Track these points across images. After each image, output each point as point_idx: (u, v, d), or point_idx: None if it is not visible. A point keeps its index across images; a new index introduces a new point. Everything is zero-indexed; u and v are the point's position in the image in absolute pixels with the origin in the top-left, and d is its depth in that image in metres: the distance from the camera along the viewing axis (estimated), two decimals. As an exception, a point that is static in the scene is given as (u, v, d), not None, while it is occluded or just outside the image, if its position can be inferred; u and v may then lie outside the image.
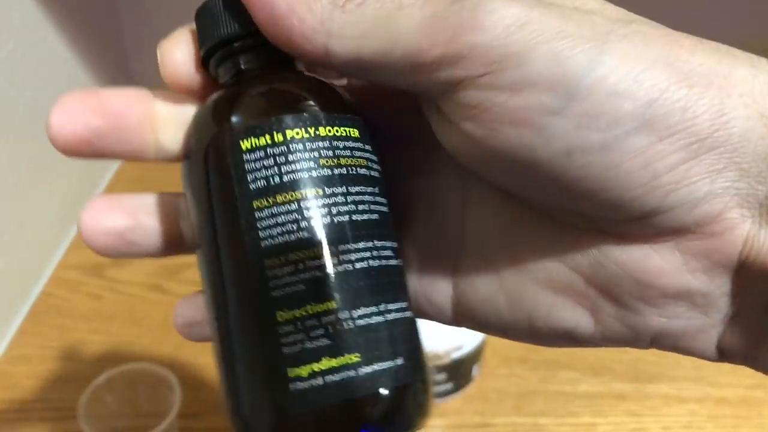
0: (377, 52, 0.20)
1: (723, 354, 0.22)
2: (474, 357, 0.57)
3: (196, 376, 0.60)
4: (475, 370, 0.59)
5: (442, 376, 0.56)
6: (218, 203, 0.21)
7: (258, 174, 0.21)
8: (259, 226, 0.20)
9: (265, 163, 0.21)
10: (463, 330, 0.55)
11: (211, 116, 0.22)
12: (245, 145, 0.21)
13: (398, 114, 0.25)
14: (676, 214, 0.20)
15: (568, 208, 0.21)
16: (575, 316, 0.23)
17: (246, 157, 0.21)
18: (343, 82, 0.25)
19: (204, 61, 0.23)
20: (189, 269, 0.71)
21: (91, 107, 0.23)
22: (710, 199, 0.19)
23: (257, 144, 0.21)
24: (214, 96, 0.23)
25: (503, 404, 0.59)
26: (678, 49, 0.19)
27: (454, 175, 0.25)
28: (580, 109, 0.18)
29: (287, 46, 0.21)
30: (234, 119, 0.21)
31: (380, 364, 0.20)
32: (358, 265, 0.21)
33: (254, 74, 0.23)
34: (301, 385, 0.20)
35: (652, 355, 0.63)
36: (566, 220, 0.22)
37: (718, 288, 0.21)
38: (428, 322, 0.55)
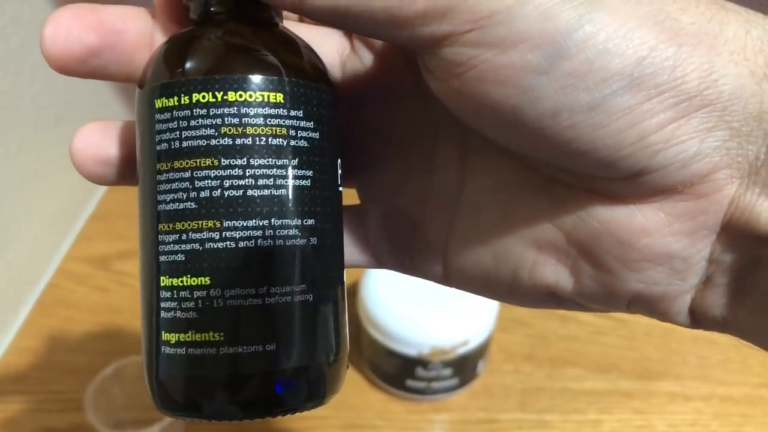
0: (355, 2, 0.19)
1: (695, 318, 0.22)
2: (479, 353, 0.57)
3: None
4: (481, 366, 0.59)
5: (447, 372, 0.56)
6: (141, 151, 0.22)
7: (163, 136, 0.20)
8: (158, 189, 0.20)
9: (170, 125, 0.20)
10: (470, 326, 0.55)
11: (154, 60, 0.22)
12: (158, 104, 0.20)
13: (399, 66, 0.25)
14: (665, 174, 0.19)
15: (558, 166, 0.21)
16: (556, 274, 0.23)
17: (157, 116, 0.20)
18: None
19: None
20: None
21: (87, 23, 0.22)
22: (700, 158, 0.19)
23: (166, 104, 0.20)
24: (169, 37, 0.22)
25: (508, 400, 0.59)
26: (669, 7, 0.19)
27: (453, 133, 0.24)
28: (567, 68, 0.18)
29: None
30: (159, 73, 0.21)
31: (245, 347, 0.20)
32: (242, 243, 0.20)
33: (218, 19, 0.22)
34: (168, 350, 0.20)
35: (658, 353, 0.63)
36: (556, 177, 0.22)
37: (699, 252, 0.20)
38: (436, 318, 0.55)
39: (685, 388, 0.60)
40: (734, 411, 0.59)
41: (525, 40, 0.18)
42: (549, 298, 0.24)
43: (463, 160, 0.24)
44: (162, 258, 0.20)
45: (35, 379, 0.60)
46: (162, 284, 0.20)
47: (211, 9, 0.22)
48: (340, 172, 0.23)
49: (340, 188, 0.23)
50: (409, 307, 0.55)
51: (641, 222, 0.21)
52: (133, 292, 0.68)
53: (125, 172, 0.24)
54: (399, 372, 0.57)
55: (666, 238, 0.20)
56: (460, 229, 0.25)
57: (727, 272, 0.20)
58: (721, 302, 0.21)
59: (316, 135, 0.22)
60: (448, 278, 0.26)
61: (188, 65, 0.21)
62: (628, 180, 0.20)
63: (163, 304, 0.20)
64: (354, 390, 0.60)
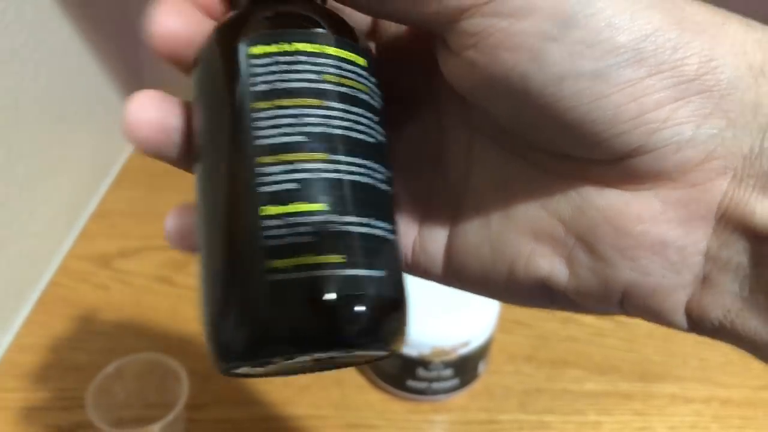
0: None
1: (692, 320, 0.22)
2: (480, 353, 0.57)
3: (204, 367, 0.60)
4: (482, 367, 0.59)
5: (448, 372, 0.56)
6: (223, 104, 0.22)
7: (263, 78, 0.21)
8: (257, 125, 0.21)
9: (271, 68, 0.21)
10: (471, 326, 0.55)
11: (228, 25, 0.23)
12: (255, 50, 0.22)
13: (412, 74, 0.26)
14: (660, 155, 0.20)
15: (556, 146, 0.22)
16: (552, 265, 0.23)
17: (254, 61, 0.22)
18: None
19: None
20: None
21: (188, 10, 0.24)
22: (695, 144, 0.20)
23: (267, 51, 0.22)
24: (233, 12, 0.24)
25: (509, 401, 0.59)
26: (675, 0, 0.20)
27: (461, 134, 0.25)
28: (576, 37, 0.19)
29: None
30: (248, 28, 0.22)
31: (363, 270, 0.20)
32: (347, 177, 0.21)
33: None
34: (280, 277, 0.20)
35: (659, 354, 0.63)
36: (555, 169, 0.23)
37: (694, 244, 0.21)
38: (437, 319, 0.55)
39: (685, 390, 0.61)
40: (734, 413, 0.59)
41: (539, 10, 0.19)
42: (542, 293, 0.24)
43: (468, 159, 0.25)
44: (265, 189, 0.20)
45: (37, 376, 0.60)
46: (266, 213, 0.20)
47: None
48: None
49: None
50: (410, 308, 0.55)
51: (636, 209, 0.21)
52: (135, 290, 0.68)
53: (181, 147, 0.24)
54: (400, 372, 0.57)
55: (660, 225, 0.21)
56: (461, 225, 0.25)
57: (725, 271, 0.21)
58: (719, 303, 0.21)
59: (383, 104, 0.24)
60: (447, 275, 0.26)
61: (284, 20, 0.22)
62: (623, 162, 0.20)
63: (268, 233, 0.20)
64: (354, 390, 0.60)
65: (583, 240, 0.22)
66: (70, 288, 0.69)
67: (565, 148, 0.22)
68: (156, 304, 0.67)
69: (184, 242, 0.24)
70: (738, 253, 0.20)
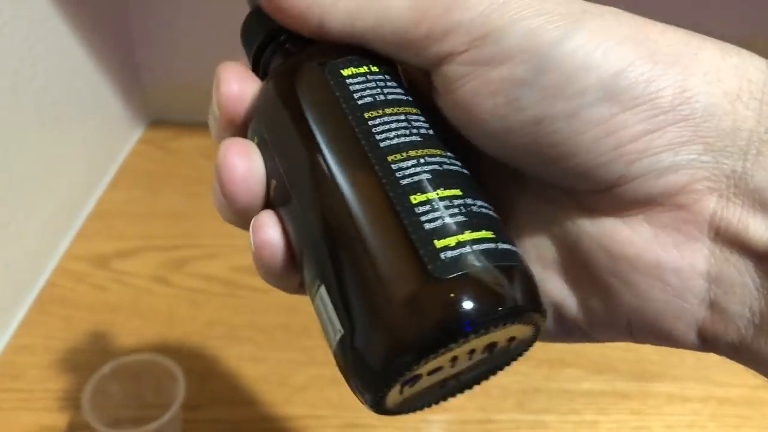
0: (369, 27, 0.22)
1: (707, 342, 0.22)
2: (477, 353, 0.57)
3: (200, 368, 0.60)
4: (479, 367, 0.59)
5: (445, 372, 0.56)
6: (326, 128, 0.23)
7: (364, 93, 0.23)
8: (375, 130, 0.22)
9: (368, 85, 0.23)
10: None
11: (296, 67, 0.24)
12: (346, 72, 0.23)
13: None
14: (643, 183, 0.20)
15: (543, 178, 0.22)
16: (562, 294, 0.23)
17: (349, 81, 0.23)
18: None
19: (255, 61, 0.27)
20: (194, 262, 0.71)
21: (247, 74, 0.25)
22: (675, 169, 0.20)
23: (357, 72, 0.24)
24: (285, 63, 0.25)
25: (506, 401, 0.59)
26: (648, 30, 0.20)
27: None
28: (548, 80, 0.20)
29: (286, 21, 0.23)
30: (328, 58, 0.24)
31: (509, 245, 0.22)
32: (461, 169, 0.23)
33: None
34: (451, 253, 0.20)
35: (656, 354, 0.63)
36: (551, 197, 0.23)
37: (692, 267, 0.21)
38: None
39: (682, 389, 0.61)
40: (732, 412, 0.59)
41: (512, 57, 0.20)
42: (558, 323, 0.24)
43: None
44: (406, 181, 0.21)
45: (33, 377, 0.60)
46: (415, 201, 0.21)
47: (291, 52, 0.26)
48: None
49: None
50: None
51: (628, 234, 0.21)
52: (132, 291, 0.68)
53: (266, 193, 0.24)
54: (397, 372, 0.56)
55: (654, 249, 0.21)
56: None
57: (731, 295, 0.20)
58: (732, 328, 0.21)
59: None
60: None
61: (360, 51, 0.24)
62: (609, 191, 0.21)
63: (424, 218, 0.21)
64: (352, 390, 0.60)
65: (585, 268, 0.22)
66: (67, 288, 0.69)
67: (551, 179, 0.22)
68: (153, 304, 0.67)
69: (287, 261, 0.23)
70: (740, 273, 0.20)
